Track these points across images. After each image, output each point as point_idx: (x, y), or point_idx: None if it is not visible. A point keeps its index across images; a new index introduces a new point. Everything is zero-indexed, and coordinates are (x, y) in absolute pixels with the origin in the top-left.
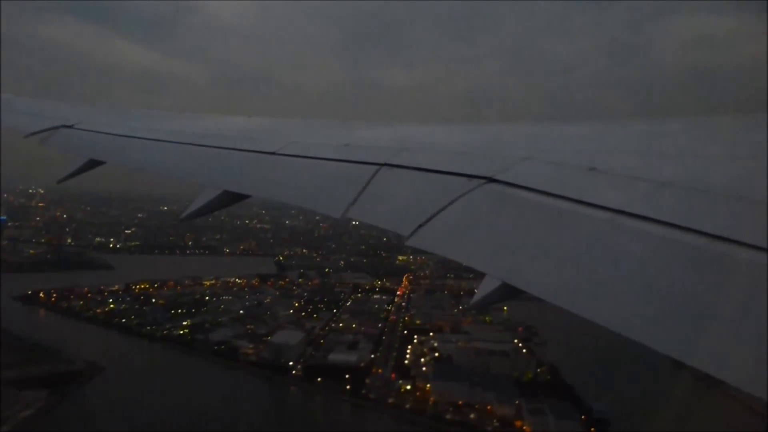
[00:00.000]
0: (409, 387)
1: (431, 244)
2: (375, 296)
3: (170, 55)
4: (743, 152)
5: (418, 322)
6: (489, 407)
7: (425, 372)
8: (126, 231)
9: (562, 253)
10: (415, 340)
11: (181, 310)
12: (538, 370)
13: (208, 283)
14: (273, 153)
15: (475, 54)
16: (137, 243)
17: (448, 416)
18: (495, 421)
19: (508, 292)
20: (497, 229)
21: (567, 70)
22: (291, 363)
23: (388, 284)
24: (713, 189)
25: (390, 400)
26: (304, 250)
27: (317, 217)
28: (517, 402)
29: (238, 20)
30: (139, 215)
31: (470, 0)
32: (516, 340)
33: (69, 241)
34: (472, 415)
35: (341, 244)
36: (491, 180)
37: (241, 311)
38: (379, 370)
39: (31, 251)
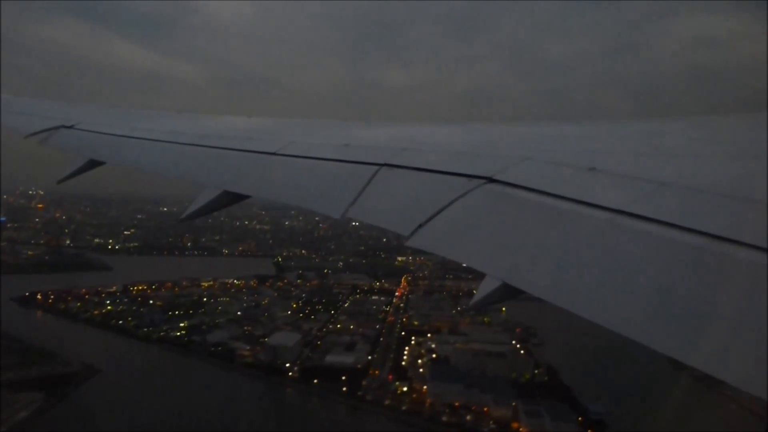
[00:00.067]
0: (405, 388)
1: (431, 245)
2: (373, 297)
3: (170, 56)
4: (743, 152)
5: (416, 323)
6: (485, 409)
7: (422, 373)
8: (125, 232)
9: (562, 254)
10: (412, 342)
11: (179, 312)
12: (536, 371)
13: (206, 285)
14: (273, 153)
15: (474, 54)
16: (136, 244)
17: (444, 418)
18: (491, 422)
19: (508, 293)
20: (497, 229)
21: (567, 71)
22: (288, 365)
23: (386, 285)
24: (713, 189)
25: (386, 402)
26: (303, 251)
27: (317, 218)
28: (513, 403)
29: (238, 20)
30: (139, 216)
31: (469, 0)
32: (514, 341)
33: (68, 242)
34: (468, 417)
35: (341, 244)
36: (491, 180)
37: (239, 312)
38: (376, 372)
39: (30, 252)
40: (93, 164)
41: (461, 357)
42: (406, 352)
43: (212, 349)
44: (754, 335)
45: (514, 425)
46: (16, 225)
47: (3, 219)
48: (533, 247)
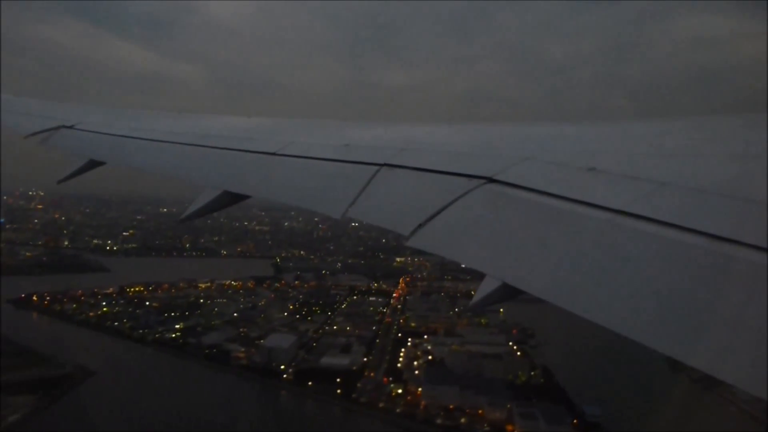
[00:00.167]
0: (400, 391)
1: (431, 245)
2: (371, 298)
3: (169, 56)
4: (743, 152)
5: (413, 324)
6: (480, 411)
7: (418, 375)
8: (124, 233)
9: (561, 254)
10: (409, 343)
11: (175, 313)
12: (532, 373)
13: (203, 286)
14: (273, 153)
15: (474, 54)
16: (134, 245)
17: (438, 420)
18: (486, 425)
19: (508, 293)
20: (497, 229)
21: (567, 71)
22: (282, 367)
23: (384, 286)
24: (713, 189)
25: (381, 404)
26: (302, 252)
27: (316, 219)
28: (508, 406)
29: (237, 21)
30: (138, 217)
31: (469, 0)
32: (510, 343)
33: (66, 243)
34: (462, 419)
35: (339, 245)
36: (491, 180)
37: (235, 314)
38: (371, 374)
39: (28, 254)
40: (93, 164)
41: (457, 359)
42: (402, 354)
43: (207, 351)
44: (755, 335)
45: (509, 428)
46: (14, 226)
47: (2, 220)
48: (533, 247)
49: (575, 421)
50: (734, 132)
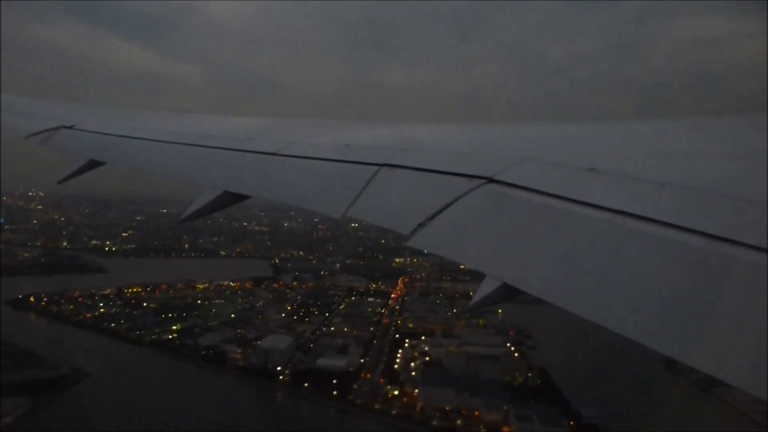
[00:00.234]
0: (396, 392)
1: (431, 245)
2: (369, 299)
3: (170, 56)
4: (743, 152)
5: (410, 325)
6: (476, 413)
7: (414, 377)
8: (123, 234)
9: (562, 254)
10: (406, 344)
11: (172, 314)
12: (529, 374)
13: (201, 287)
14: (273, 153)
15: (474, 54)
16: (133, 246)
17: (434, 422)
18: (482, 426)
19: (508, 293)
20: (497, 229)
21: (567, 71)
22: (279, 368)
23: (383, 287)
24: (713, 189)
25: (376, 406)
26: (301, 253)
27: (316, 219)
28: (504, 408)
29: (238, 21)
30: (138, 217)
31: (468, 0)
32: (508, 344)
33: (65, 244)
34: (459, 421)
35: (339, 246)
36: (491, 180)
37: (233, 315)
38: (368, 375)
39: (26, 254)
40: (93, 164)
41: (454, 360)
42: (399, 355)
43: (203, 352)
44: (755, 336)
45: (505, 429)
46: (13, 227)
47: (1, 221)
48: (533, 247)
49: (572, 423)
50: (734, 132)
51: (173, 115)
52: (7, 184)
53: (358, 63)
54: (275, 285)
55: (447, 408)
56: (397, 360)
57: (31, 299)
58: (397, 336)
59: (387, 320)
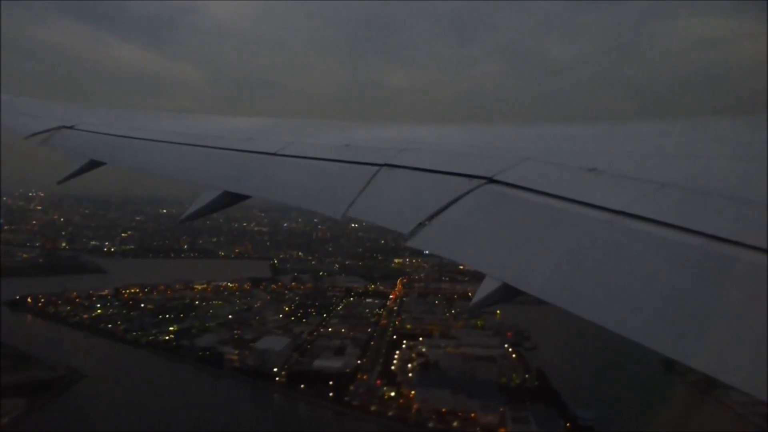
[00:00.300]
0: (393, 394)
1: (431, 245)
2: (368, 300)
3: (170, 56)
4: (743, 152)
5: (408, 326)
6: (473, 415)
7: (411, 378)
8: (122, 234)
9: (562, 254)
10: (404, 345)
11: (169, 315)
12: (526, 375)
13: (199, 287)
14: (273, 153)
15: (475, 54)
16: (132, 246)
17: (431, 424)
18: (478, 428)
19: (508, 293)
20: (497, 229)
21: (568, 71)
22: (275, 369)
23: (381, 288)
24: (713, 190)
25: (373, 408)
26: (300, 253)
27: (315, 220)
28: (501, 409)
29: (238, 21)
30: (137, 218)
31: (468, 0)
32: (506, 345)
33: (64, 244)
34: (455, 423)
35: (338, 247)
36: (491, 180)
37: (230, 316)
38: (365, 377)
39: (24, 255)
40: (93, 165)
41: (451, 361)
42: (396, 356)
43: (200, 353)
44: (755, 337)
45: (501, 431)
46: (12, 227)
47: (0, 221)
48: (533, 247)
49: (568, 424)
50: (734, 133)
51: (173, 115)
52: (7, 185)
53: (358, 63)
54: (273, 286)
55: (443, 409)
56: (395, 361)
57: (29, 300)
58: (394, 337)
59: (385, 321)
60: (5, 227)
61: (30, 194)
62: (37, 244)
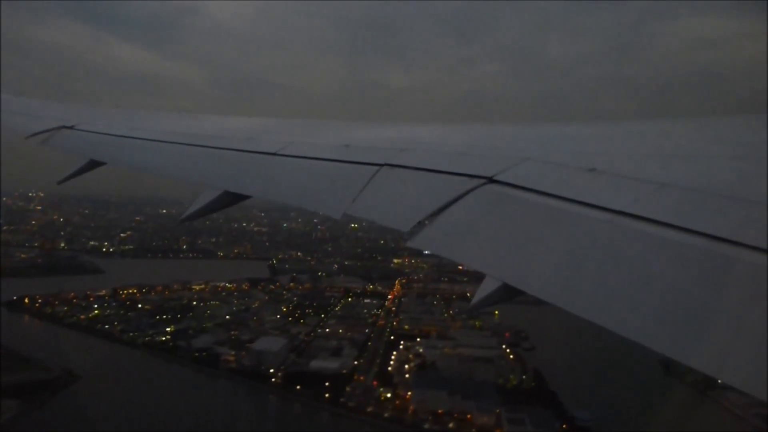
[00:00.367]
0: (389, 395)
1: (431, 245)
2: (366, 300)
3: (170, 56)
4: (743, 153)
5: (406, 327)
6: (469, 416)
7: (408, 379)
8: (121, 234)
9: (562, 254)
10: (401, 346)
11: (167, 316)
12: (523, 376)
13: (197, 288)
14: (273, 153)
15: (475, 55)
16: (131, 247)
17: (426, 425)
18: (474, 430)
19: (508, 293)
20: (497, 229)
21: (567, 71)
22: (272, 370)
23: (380, 288)
24: (713, 190)
25: (369, 409)
26: (299, 254)
27: (315, 220)
28: (497, 410)
29: (238, 21)
30: (137, 218)
31: (468, 0)
32: (504, 346)
33: (62, 245)
34: (451, 425)
35: (338, 247)
36: (491, 180)
37: (228, 316)
38: (361, 378)
39: (23, 255)
40: (93, 165)
41: (448, 362)
42: (393, 357)
43: (196, 354)
44: (755, 337)
45: None
46: (11, 227)
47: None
48: (533, 247)
49: (564, 426)
50: (735, 133)
51: (173, 115)
52: (7, 185)
53: (358, 64)
54: (272, 286)
55: (440, 411)
56: (391, 362)
57: (26, 301)
58: (392, 338)
59: (382, 322)
60: (4, 228)
61: (30, 194)
62: (36, 245)
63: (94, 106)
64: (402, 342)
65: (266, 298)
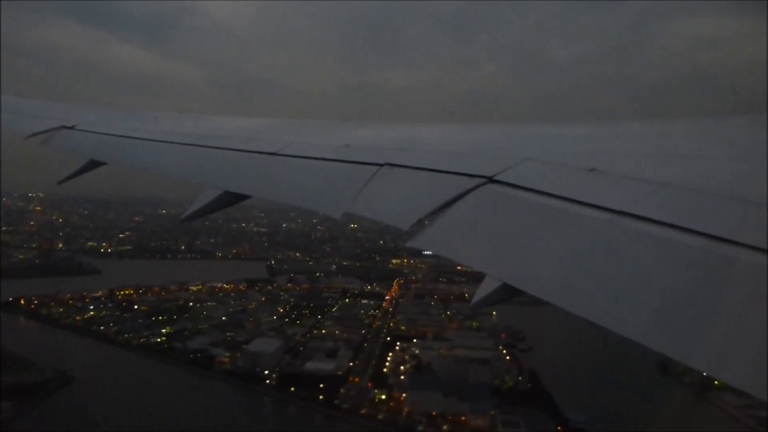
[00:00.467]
0: (384, 396)
1: (431, 245)
2: (363, 301)
3: (170, 56)
4: (743, 152)
5: (402, 328)
6: (463, 418)
7: (403, 381)
8: (120, 235)
9: (562, 254)
10: (397, 347)
11: (163, 317)
12: (519, 378)
13: (194, 289)
14: (273, 153)
15: (475, 55)
16: (129, 247)
17: (420, 427)
18: None
19: (508, 293)
20: (497, 229)
21: (567, 71)
22: (266, 372)
23: (378, 289)
24: (713, 190)
25: (362, 411)
26: (298, 254)
27: (315, 220)
28: (492, 412)
29: (238, 22)
30: (136, 218)
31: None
32: (501, 347)
33: (60, 245)
34: (445, 427)
35: (336, 247)
36: (491, 180)
37: (224, 317)
38: (356, 379)
39: (20, 256)
40: (93, 165)
41: (444, 363)
42: (389, 359)
43: (191, 356)
44: (755, 337)
45: None
46: (10, 228)
47: None
48: (533, 247)
49: (559, 428)
50: (734, 133)
51: (173, 115)
52: (7, 185)
53: (358, 64)
54: (269, 287)
55: (434, 413)
56: (387, 363)
57: (21, 302)
58: (388, 339)
59: (379, 323)
60: (3, 228)
61: (30, 195)
62: (34, 246)
63: (94, 106)
64: (398, 343)
65: (263, 298)
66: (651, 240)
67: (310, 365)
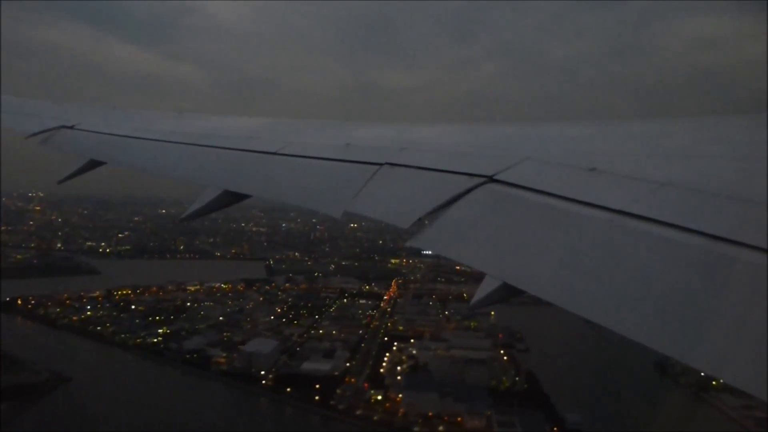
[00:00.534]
0: (380, 397)
1: (431, 245)
2: (361, 301)
3: (170, 56)
4: (743, 152)
5: (400, 328)
6: (459, 419)
7: (399, 381)
8: (119, 235)
9: (562, 254)
10: (394, 348)
11: (160, 317)
12: (516, 378)
13: (192, 289)
14: (274, 153)
15: (475, 55)
16: (127, 247)
17: (416, 428)
18: None
19: (507, 293)
20: (497, 229)
21: (567, 71)
22: (262, 372)
23: (376, 289)
24: (713, 189)
25: (358, 411)
26: (296, 254)
27: (314, 220)
28: (488, 413)
29: (238, 22)
30: (136, 218)
31: (468, 0)
32: (498, 347)
33: (59, 245)
34: (440, 427)
35: (336, 247)
36: (492, 180)
37: (221, 318)
38: (352, 380)
39: (18, 256)
40: (93, 164)
41: (440, 364)
42: (386, 359)
43: (187, 356)
44: (755, 337)
45: None
46: (9, 228)
47: None
48: (533, 247)
49: (555, 429)
50: (735, 132)
51: (173, 115)
52: (7, 185)
53: (358, 64)
54: (267, 287)
55: (430, 413)
56: (384, 364)
57: (19, 302)
58: (385, 339)
59: (377, 323)
60: (2, 228)
61: (30, 194)
62: (33, 245)
63: (95, 106)
64: (396, 343)
65: (261, 299)
66: (651, 240)
67: (307, 366)
